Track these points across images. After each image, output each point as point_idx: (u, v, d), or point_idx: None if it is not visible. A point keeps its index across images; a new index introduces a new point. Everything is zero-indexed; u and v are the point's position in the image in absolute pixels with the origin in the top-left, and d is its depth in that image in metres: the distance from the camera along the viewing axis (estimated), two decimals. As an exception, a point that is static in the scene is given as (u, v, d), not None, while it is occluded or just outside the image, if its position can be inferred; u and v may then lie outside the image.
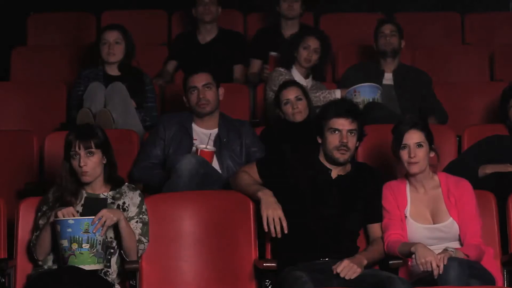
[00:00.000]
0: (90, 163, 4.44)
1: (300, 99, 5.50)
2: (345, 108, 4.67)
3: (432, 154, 4.63)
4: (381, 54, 6.28)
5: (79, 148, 4.43)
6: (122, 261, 4.48)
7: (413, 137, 4.58)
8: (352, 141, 4.61)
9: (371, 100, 5.83)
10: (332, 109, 4.66)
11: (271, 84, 6.07)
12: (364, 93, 5.87)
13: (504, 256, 4.67)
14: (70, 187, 4.46)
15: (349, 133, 4.60)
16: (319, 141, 4.67)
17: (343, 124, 4.60)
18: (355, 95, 5.86)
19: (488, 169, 5.05)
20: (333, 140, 4.60)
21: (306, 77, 6.18)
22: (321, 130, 4.64)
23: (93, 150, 4.45)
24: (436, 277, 4.22)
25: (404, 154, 4.58)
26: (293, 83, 5.61)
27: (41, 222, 4.47)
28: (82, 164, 4.43)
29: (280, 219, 4.50)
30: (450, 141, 5.60)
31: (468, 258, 4.33)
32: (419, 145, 4.58)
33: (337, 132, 4.59)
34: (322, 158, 4.68)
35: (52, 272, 4.30)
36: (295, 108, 5.47)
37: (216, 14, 6.84)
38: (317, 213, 4.56)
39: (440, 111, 6.15)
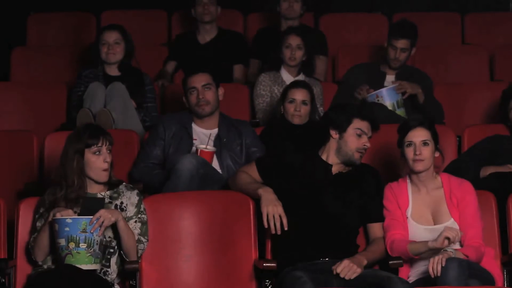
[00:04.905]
0: (110, 160, 4.46)
1: (305, 104, 5.49)
2: (373, 112, 4.75)
3: (437, 154, 4.63)
4: (387, 61, 6.22)
5: (104, 144, 4.44)
6: (121, 261, 4.48)
7: (419, 135, 4.58)
8: None
9: (395, 102, 5.86)
10: (365, 111, 4.71)
11: (258, 89, 6.12)
12: (388, 98, 5.88)
13: (504, 256, 4.67)
14: (78, 190, 4.44)
15: (368, 138, 4.66)
16: (335, 135, 4.67)
17: (368, 128, 4.65)
18: (377, 100, 5.86)
19: (490, 171, 5.05)
20: (358, 141, 4.62)
21: (296, 75, 6.17)
22: (342, 125, 4.64)
23: (111, 147, 4.47)
24: (433, 277, 4.23)
25: (409, 151, 4.58)
26: (304, 85, 5.59)
27: (38, 224, 4.46)
28: (108, 159, 4.43)
29: (280, 215, 4.50)
30: (450, 141, 5.61)
31: (467, 259, 4.33)
32: (425, 143, 4.58)
33: (363, 134, 4.62)
34: (324, 156, 4.69)
35: (51, 272, 4.30)
36: (297, 111, 5.47)
37: (215, 14, 6.83)
38: (317, 210, 4.57)
39: (439, 112, 6.13)
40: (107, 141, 4.47)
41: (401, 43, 6.11)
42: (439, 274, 4.19)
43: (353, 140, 4.63)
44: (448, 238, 4.29)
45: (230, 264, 4.69)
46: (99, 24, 7.32)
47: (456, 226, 4.52)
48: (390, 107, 5.86)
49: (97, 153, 4.45)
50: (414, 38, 6.16)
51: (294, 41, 6.15)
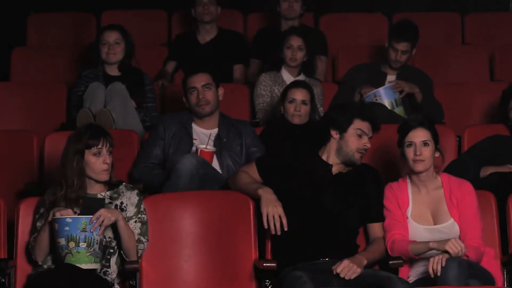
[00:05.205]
0: (110, 161, 4.46)
1: (305, 104, 5.49)
2: (373, 113, 4.75)
3: (437, 154, 4.63)
4: (387, 61, 6.21)
5: (104, 145, 4.43)
6: (122, 261, 4.48)
7: (419, 135, 4.58)
8: None
9: (393, 101, 5.86)
10: (366, 111, 4.71)
11: (258, 89, 6.11)
12: (385, 96, 5.88)
13: (504, 256, 4.67)
14: (78, 191, 4.44)
15: (369, 139, 4.67)
16: (335, 136, 4.67)
17: (369, 129, 4.65)
18: (376, 99, 5.86)
19: (490, 171, 5.05)
20: (358, 141, 4.62)
21: (296, 75, 6.17)
22: (343, 126, 4.64)
23: (112, 149, 4.46)
24: (432, 276, 4.23)
25: (409, 152, 4.58)
26: (304, 85, 5.59)
27: (38, 224, 4.46)
28: (108, 161, 4.43)
29: (280, 216, 4.50)
30: (450, 141, 5.61)
31: (467, 259, 4.33)
32: (425, 143, 4.58)
33: (364, 135, 4.62)
34: (325, 156, 4.69)
35: (51, 272, 4.30)
36: (297, 111, 5.47)
37: (216, 14, 6.83)
38: (317, 209, 4.57)
39: (438, 112, 6.12)
40: (107, 143, 4.47)
41: (402, 46, 6.10)
42: (439, 274, 4.19)
43: (354, 141, 4.63)
44: (449, 253, 4.28)
45: (230, 264, 4.69)
46: (99, 24, 7.32)
47: (456, 226, 4.53)
48: (388, 106, 5.86)
49: (97, 154, 4.45)
50: (415, 40, 6.16)
51: (295, 41, 6.14)
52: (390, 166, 5.22)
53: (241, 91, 6.39)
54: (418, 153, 4.55)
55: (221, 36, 6.86)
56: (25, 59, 6.96)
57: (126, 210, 4.51)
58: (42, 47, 7.21)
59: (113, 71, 6.06)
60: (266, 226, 4.52)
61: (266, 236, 4.68)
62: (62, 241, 4.27)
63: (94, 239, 4.28)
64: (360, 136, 4.63)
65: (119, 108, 5.72)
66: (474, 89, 6.49)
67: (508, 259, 4.62)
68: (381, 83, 6.09)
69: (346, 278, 4.35)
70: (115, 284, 4.46)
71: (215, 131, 5.34)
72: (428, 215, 4.58)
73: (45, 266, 4.46)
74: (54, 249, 4.38)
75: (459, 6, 7.84)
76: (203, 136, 5.32)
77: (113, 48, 6.01)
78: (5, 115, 6.22)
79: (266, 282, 4.55)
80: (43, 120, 6.20)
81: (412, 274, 4.56)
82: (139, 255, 4.50)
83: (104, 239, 4.39)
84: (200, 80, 5.35)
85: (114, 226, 4.41)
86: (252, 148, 5.32)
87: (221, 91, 5.42)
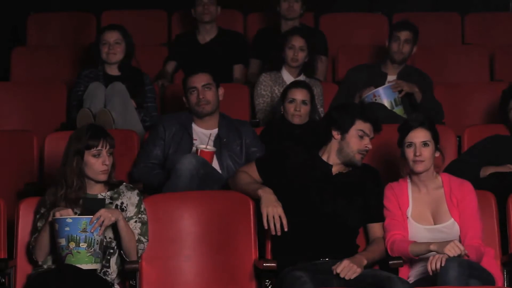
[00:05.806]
0: (110, 163, 4.45)
1: (305, 104, 5.49)
2: (375, 114, 4.75)
3: (437, 154, 4.62)
4: (390, 57, 6.22)
5: (104, 147, 4.43)
6: (121, 261, 4.48)
7: (419, 136, 4.58)
8: None
9: (393, 101, 5.86)
10: (368, 112, 4.70)
11: (259, 89, 6.11)
12: (384, 96, 5.89)
13: (504, 256, 4.67)
14: (77, 191, 4.44)
15: (370, 140, 4.66)
16: (337, 136, 4.67)
17: (371, 130, 4.65)
18: (375, 99, 5.87)
19: (490, 171, 5.05)
20: (360, 142, 4.62)
21: (297, 75, 6.17)
22: (344, 126, 4.64)
23: (112, 150, 4.46)
24: (431, 274, 4.23)
25: (409, 152, 4.58)
26: (304, 85, 5.59)
27: (39, 224, 4.46)
28: (108, 162, 4.43)
29: (280, 216, 4.50)
30: (450, 141, 5.61)
31: (467, 259, 4.32)
32: (425, 143, 4.57)
33: (365, 136, 4.62)
34: (325, 156, 4.68)
35: (51, 272, 4.30)
36: (297, 111, 5.47)
37: (216, 14, 6.83)
38: (317, 210, 4.57)
39: (438, 111, 6.13)
40: (107, 144, 4.46)
41: (404, 35, 6.14)
42: (438, 270, 4.18)
43: (355, 142, 4.63)
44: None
45: (230, 264, 4.69)
46: (99, 24, 7.32)
47: (456, 226, 4.53)
48: (388, 106, 5.86)
49: (97, 155, 4.44)
50: (416, 34, 6.19)
51: (297, 42, 6.14)
52: (390, 166, 5.22)
53: (241, 91, 6.39)
54: (418, 153, 4.55)
55: (221, 36, 6.86)
56: (25, 59, 6.96)
57: (126, 210, 4.51)
58: (42, 47, 7.21)
59: (113, 71, 6.06)
60: (266, 226, 4.52)
61: (266, 236, 4.68)
62: (63, 242, 4.27)
63: (94, 240, 4.28)
64: (361, 137, 4.63)
65: (119, 108, 5.72)
66: (474, 89, 6.50)
67: (508, 259, 4.62)
68: (382, 83, 6.09)
69: (346, 278, 4.35)
70: (115, 284, 4.47)
71: (215, 131, 5.34)
72: (428, 215, 4.58)
73: (45, 266, 4.46)
74: (55, 249, 4.38)
75: (459, 6, 7.84)
76: (203, 136, 5.32)
77: (113, 48, 6.01)
78: (5, 115, 6.22)
79: (266, 282, 4.55)
80: (43, 120, 6.20)
81: (412, 274, 4.56)
82: (139, 255, 4.50)
83: (105, 239, 4.40)
84: (200, 80, 5.35)
85: (114, 226, 4.41)
86: (252, 148, 5.32)
87: (221, 91, 5.42)
